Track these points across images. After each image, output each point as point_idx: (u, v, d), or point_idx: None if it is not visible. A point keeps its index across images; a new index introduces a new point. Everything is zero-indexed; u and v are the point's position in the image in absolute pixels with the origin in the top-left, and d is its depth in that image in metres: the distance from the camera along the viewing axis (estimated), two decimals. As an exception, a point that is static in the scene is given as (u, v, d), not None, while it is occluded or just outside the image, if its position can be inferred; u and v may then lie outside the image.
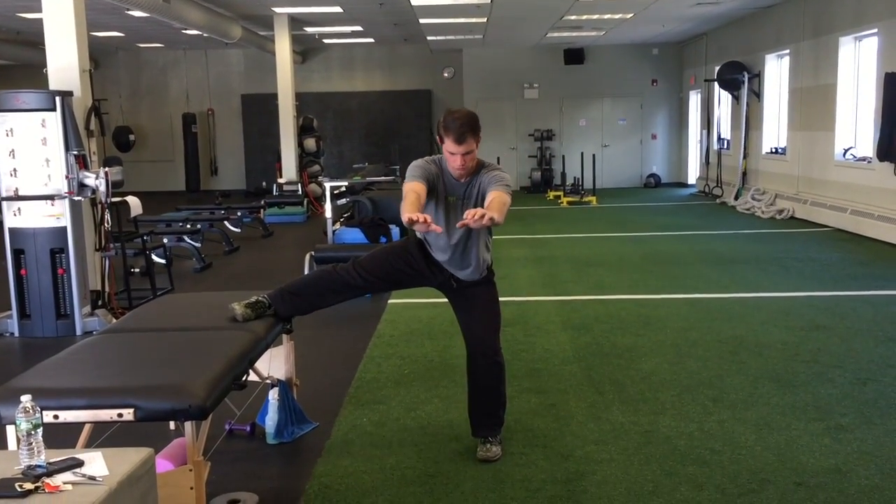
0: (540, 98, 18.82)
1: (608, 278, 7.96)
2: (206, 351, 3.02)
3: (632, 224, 12.26)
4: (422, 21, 13.45)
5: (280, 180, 14.35)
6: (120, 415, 2.57)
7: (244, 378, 3.03)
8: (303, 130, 14.99)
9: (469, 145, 3.46)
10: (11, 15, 12.98)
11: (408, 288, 4.11)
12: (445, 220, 3.61)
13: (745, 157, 14.36)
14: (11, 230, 6.08)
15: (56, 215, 6.01)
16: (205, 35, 13.71)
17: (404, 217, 3.21)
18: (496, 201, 3.38)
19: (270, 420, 3.96)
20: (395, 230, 8.49)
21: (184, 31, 14.66)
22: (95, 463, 2.33)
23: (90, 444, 2.99)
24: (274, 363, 4.12)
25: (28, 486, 2.14)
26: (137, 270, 8.02)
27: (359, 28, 16.02)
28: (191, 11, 11.44)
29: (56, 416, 2.58)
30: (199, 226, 9.86)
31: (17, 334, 6.17)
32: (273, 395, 3.98)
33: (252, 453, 3.88)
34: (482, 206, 3.42)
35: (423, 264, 3.75)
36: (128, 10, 10.81)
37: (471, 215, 3.13)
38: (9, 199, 5.98)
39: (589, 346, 5.56)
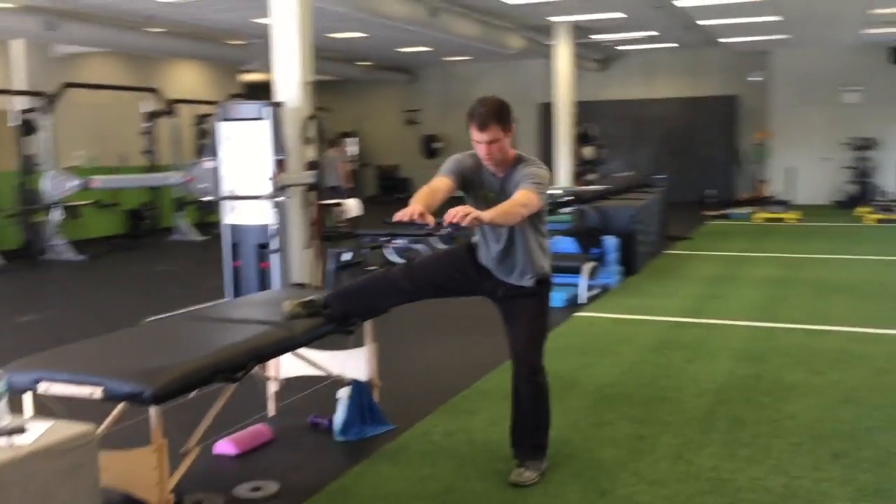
0: (861, 102, 16.86)
1: (841, 308, 6.98)
2: (207, 342, 3.24)
3: (935, 247, 10.57)
4: (700, 23, 12.75)
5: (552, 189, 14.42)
6: (92, 392, 2.86)
7: (242, 372, 3.18)
8: (582, 139, 14.94)
9: (493, 133, 3.32)
10: (244, 21, 14.19)
11: (458, 296, 3.99)
12: None
13: None
14: (230, 226, 6.86)
15: (263, 214, 6.67)
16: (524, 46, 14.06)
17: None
18: (508, 202, 3.26)
19: (338, 418, 4.09)
20: (611, 240, 8.19)
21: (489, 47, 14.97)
22: (33, 432, 2.63)
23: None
24: (351, 363, 4.25)
25: (-47, 442, 2.49)
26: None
27: (654, 33, 15.56)
28: (459, 23, 11.94)
29: (49, 388, 2.94)
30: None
31: (229, 318, 6.95)
32: (342, 393, 4.11)
33: (314, 445, 4.04)
34: None
35: (472, 270, 3.65)
36: (392, 23, 11.46)
37: (451, 215, 3.02)
38: (226, 198, 6.75)
39: (745, 379, 4.97)
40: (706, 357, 5.48)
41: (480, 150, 3.39)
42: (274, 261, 6.71)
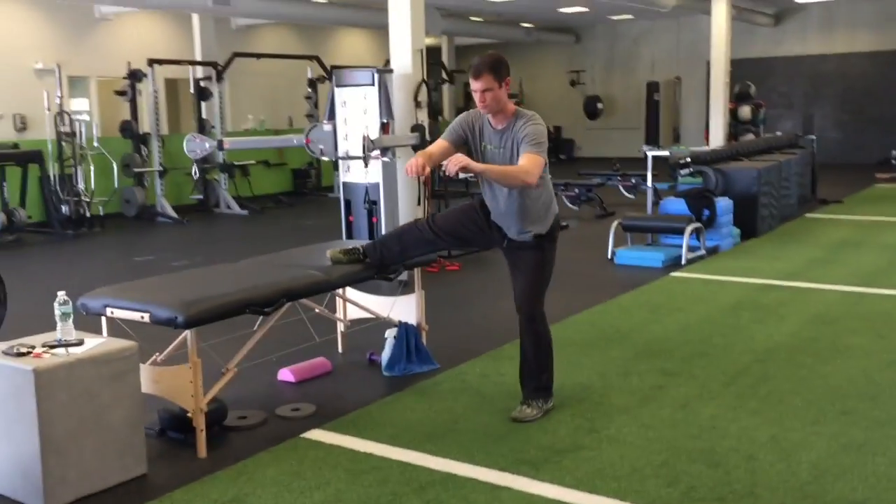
0: None
1: (960, 274, 6.65)
2: (248, 280, 3.80)
3: None
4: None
5: (704, 147, 14.10)
6: (143, 317, 3.49)
7: (272, 308, 3.72)
8: (739, 97, 14.47)
9: (486, 82, 3.61)
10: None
11: (474, 247, 4.34)
12: None
13: None
14: (344, 184, 7.49)
15: (371, 173, 7.23)
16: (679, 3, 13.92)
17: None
18: (512, 168, 3.62)
19: (384, 355, 4.58)
20: (724, 203, 8.12)
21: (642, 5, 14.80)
22: (88, 346, 3.29)
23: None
24: (400, 307, 4.71)
25: (23, 350, 3.19)
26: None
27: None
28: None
29: (112, 312, 3.60)
30: (556, 190, 10.58)
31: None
32: (389, 333, 4.59)
33: (363, 378, 4.55)
34: (517, 160, 3.65)
35: (485, 223, 3.94)
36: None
37: (449, 171, 3.42)
38: (342, 158, 7.37)
39: (802, 340, 4.98)
40: (776, 319, 5.49)
41: (476, 99, 3.69)
42: (381, 216, 7.26)
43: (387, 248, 4.24)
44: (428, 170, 3.64)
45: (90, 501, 3.17)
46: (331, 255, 4.21)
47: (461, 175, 3.59)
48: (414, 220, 4.31)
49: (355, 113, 7.25)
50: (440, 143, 3.82)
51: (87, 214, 10.77)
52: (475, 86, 3.66)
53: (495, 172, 3.62)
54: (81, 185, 10.82)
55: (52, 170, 10.74)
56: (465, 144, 3.85)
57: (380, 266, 4.27)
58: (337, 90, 7.38)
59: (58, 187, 10.69)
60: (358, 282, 4.29)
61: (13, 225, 9.94)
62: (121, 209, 11.79)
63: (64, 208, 10.60)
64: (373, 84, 7.15)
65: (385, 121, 7.12)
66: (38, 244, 9.92)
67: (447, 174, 3.46)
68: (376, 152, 6.78)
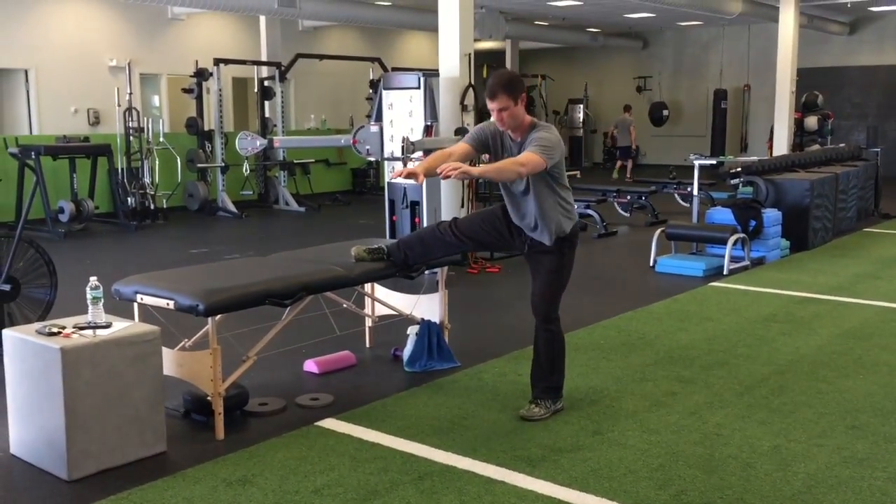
0: None
1: None
2: (271, 273, 3.98)
3: None
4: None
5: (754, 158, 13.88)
6: (168, 304, 3.70)
7: (291, 300, 3.89)
8: (805, 107, 14.21)
9: (502, 102, 3.71)
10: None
11: (494, 250, 4.42)
12: None
13: None
14: (388, 184, 7.66)
15: (416, 174, 7.38)
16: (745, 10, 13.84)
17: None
18: (506, 160, 3.69)
19: (406, 351, 4.71)
20: (772, 214, 8.03)
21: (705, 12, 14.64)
22: (114, 328, 3.51)
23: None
24: (422, 306, 4.83)
25: (54, 330, 3.42)
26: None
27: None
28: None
29: (142, 299, 3.82)
30: (608, 196, 10.58)
31: (387, 267, 7.78)
32: (411, 330, 4.72)
33: (384, 372, 4.69)
34: None
35: (505, 228, 4.04)
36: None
37: (442, 169, 3.49)
38: (387, 159, 7.55)
39: (829, 355, 4.94)
40: (806, 332, 5.45)
41: (494, 118, 3.81)
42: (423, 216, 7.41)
43: (410, 249, 4.36)
44: (422, 179, 3.70)
45: (111, 474, 3.38)
46: (355, 253, 4.36)
47: (461, 179, 3.67)
48: (436, 223, 4.42)
49: (401, 115, 7.43)
50: (462, 146, 3.93)
51: (152, 207, 11.21)
52: (491, 106, 3.76)
53: (492, 171, 3.70)
54: (147, 179, 11.27)
55: (120, 163, 11.21)
56: (487, 149, 3.96)
57: (403, 266, 4.39)
58: (384, 93, 7.57)
59: (125, 180, 11.15)
60: (379, 279, 4.43)
61: (81, 215, 10.42)
62: (184, 202, 12.23)
63: (130, 200, 11.06)
64: (418, 87, 7.32)
65: (429, 123, 7.28)
66: (104, 234, 10.38)
67: (443, 178, 3.56)
68: (418, 154, 6.92)
